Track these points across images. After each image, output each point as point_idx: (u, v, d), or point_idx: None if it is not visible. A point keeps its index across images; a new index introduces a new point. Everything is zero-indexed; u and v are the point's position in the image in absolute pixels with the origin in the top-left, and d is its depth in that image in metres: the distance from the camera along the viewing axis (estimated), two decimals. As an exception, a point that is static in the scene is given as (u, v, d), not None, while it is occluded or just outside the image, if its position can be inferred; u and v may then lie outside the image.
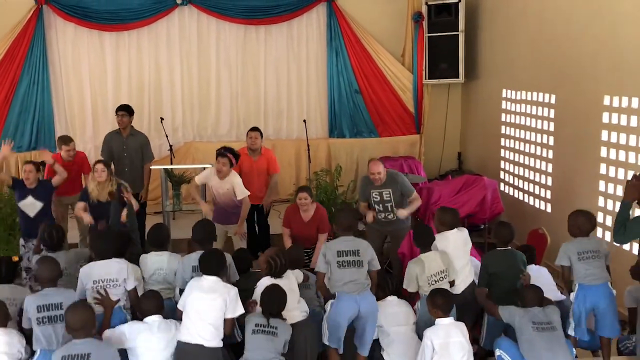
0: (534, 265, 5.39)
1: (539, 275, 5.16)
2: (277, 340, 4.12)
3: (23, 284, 5.61)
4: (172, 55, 9.59)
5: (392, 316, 4.67)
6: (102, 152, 7.58)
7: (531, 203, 7.68)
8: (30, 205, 6.08)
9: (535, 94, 7.45)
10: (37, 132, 9.27)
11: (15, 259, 5.06)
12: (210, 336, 4.05)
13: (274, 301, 4.23)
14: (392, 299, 4.81)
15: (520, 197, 7.95)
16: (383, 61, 9.50)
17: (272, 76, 9.79)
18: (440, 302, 4.37)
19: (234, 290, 4.18)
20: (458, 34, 9.00)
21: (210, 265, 4.27)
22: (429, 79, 9.34)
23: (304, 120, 9.19)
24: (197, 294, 4.13)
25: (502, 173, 8.45)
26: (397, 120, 9.70)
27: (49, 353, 3.87)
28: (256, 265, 5.16)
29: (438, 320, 4.37)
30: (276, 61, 9.74)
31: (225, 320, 4.13)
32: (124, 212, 5.84)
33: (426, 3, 9.10)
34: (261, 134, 7.13)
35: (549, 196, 7.24)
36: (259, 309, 4.29)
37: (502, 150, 8.42)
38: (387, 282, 4.92)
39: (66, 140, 6.95)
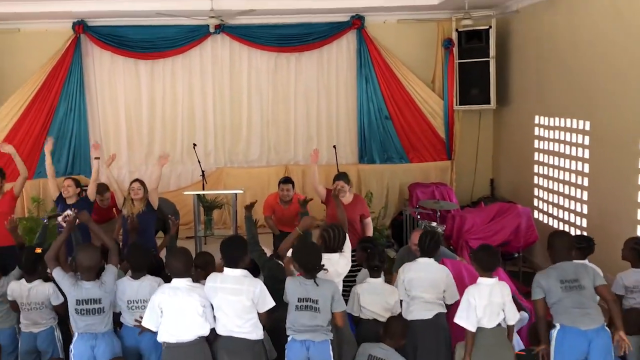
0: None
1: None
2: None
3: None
4: (204, 82, 9.77)
5: None
6: None
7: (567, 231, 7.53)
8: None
9: (569, 120, 7.35)
10: (74, 158, 9.48)
11: (39, 250, 5.10)
12: (249, 329, 4.04)
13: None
14: None
15: (555, 225, 7.80)
16: (413, 87, 9.51)
17: (302, 103, 9.88)
18: (481, 258, 4.35)
19: (259, 287, 4.09)
20: (489, 60, 8.98)
21: (231, 255, 4.16)
22: (459, 105, 9.32)
23: (334, 146, 9.22)
24: (222, 296, 4.07)
25: (535, 200, 8.32)
26: (427, 146, 9.67)
27: (86, 335, 4.09)
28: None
29: (481, 280, 4.35)
30: (306, 88, 9.84)
31: (259, 314, 4.11)
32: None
33: (456, 30, 9.11)
34: (293, 184, 7.11)
35: (584, 224, 7.09)
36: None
37: (536, 177, 8.30)
38: None
39: (102, 190, 7.03)
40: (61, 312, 4.41)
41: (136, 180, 6.42)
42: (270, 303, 4.12)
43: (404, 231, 8.47)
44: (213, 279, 4.18)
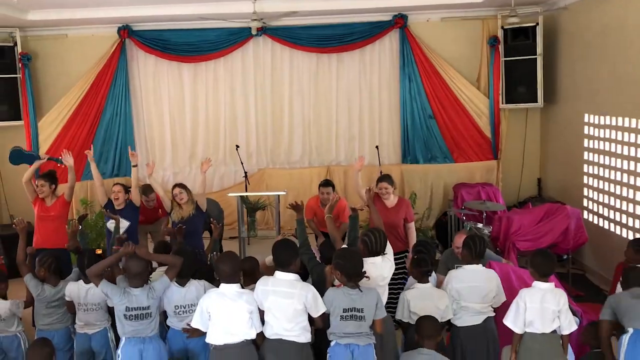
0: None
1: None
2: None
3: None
4: (246, 84, 9.82)
5: None
6: None
7: (618, 232, 7.28)
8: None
9: (620, 118, 7.10)
10: (120, 160, 9.65)
11: (99, 251, 5.20)
12: (298, 332, 4.03)
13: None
14: None
15: (606, 227, 7.55)
16: (457, 86, 9.34)
17: (344, 103, 9.83)
18: (539, 263, 4.27)
19: (311, 292, 4.08)
20: (536, 58, 8.76)
21: (283, 259, 4.16)
22: (505, 103, 9.12)
23: (377, 147, 9.14)
24: (273, 299, 4.07)
25: (585, 201, 8.07)
26: (473, 146, 9.48)
27: (134, 339, 4.16)
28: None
29: (536, 283, 4.27)
30: (348, 88, 9.78)
31: (314, 318, 4.09)
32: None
33: (502, 27, 8.91)
34: (333, 187, 7.03)
35: (637, 225, 6.84)
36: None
37: (586, 177, 8.05)
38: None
39: (146, 191, 7.15)
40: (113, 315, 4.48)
41: (176, 185, 6.51)
42: (323, 307, 4.09)
43: (448, 232, 8.35)
44: (264, 282, 4.18)
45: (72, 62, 9.45)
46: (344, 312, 4.08)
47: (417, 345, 4.29)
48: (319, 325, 4.16)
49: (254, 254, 5.74)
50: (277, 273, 4.16)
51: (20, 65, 9.01)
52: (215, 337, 4.05)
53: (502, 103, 9.13)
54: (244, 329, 4.05)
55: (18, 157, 6.59)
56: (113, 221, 6.12)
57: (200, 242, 6.36)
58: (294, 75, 9.79)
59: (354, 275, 4.11)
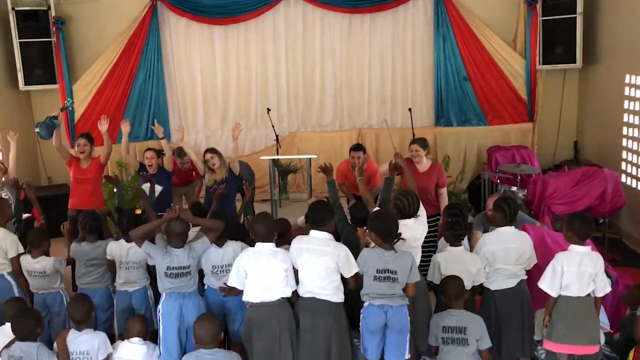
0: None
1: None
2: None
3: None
4: (277, 46, 9.74)
5: None
6: None
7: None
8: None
9: (663, 78, 6.87)
10: (153, 123, 9.70)
11: (138, 211, 5.32)
12: (331, 291, 4.07)
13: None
14: None
15: (645, 190, 7.39)
16: (493, 46, 9.11)
17: (376, 65, 9.69)
18: (577, 226, 4.21)
19: (344, 251, 4.10)
20: (575, 17, 8.46)
21: (318, 218, 4.20)
22: (543, 64, 8.86)
23: (410, 109, 9.01)
24: (307, 256, 4.11)
25: (624, 164, 7.87)
26: (508, 108, 9.28)
27: (174, 294, 4.24)
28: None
29: (572, 247, 4.23)
30: (381, 49, 9.63)
31: (347, 279, 4.11)
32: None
33: (541, -16, 8.63)
34: (364, 151, 6.92)
35: (678, 189, 6.67)
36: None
37: (625, 140, 7.83)
38: None
39: (181, 154, 7.21)
40: (153, 273, 4.58)
41: (207, 150, 6.54)
42: (355, 267, 4.10)
43: (481, 196, 8.26)
44: (299, 240, 4.22)
45: (104, 26, 9.45)
46: (377, 272, 4.07)
47: (447, 307, 4.31)
48: (352, 286, 4.17)
49: (285, 216, 5.80)
50: (312, 232, 4.19)
51: (54, 29, 9.06)
52: (252, 295, 4.12)
53: (539, 64, 8.88)
54: (279, 287, 4.10)
55: (45, 129, 6.53)
56: (148, 184, 6.20)
57: (233, 205, 6.42)
58: (326, 36, 9.66)
59: (389, 237, 4.10)
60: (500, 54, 9.11)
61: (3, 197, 5.69)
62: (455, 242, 4.71)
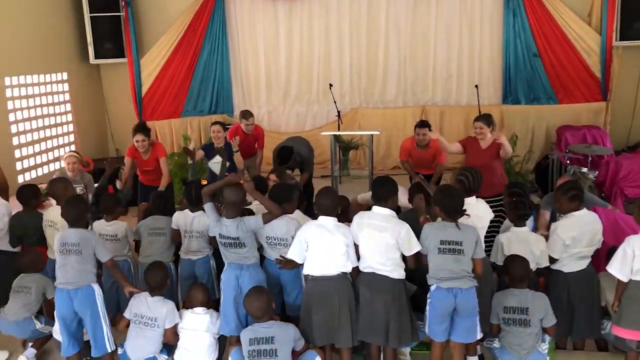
0: None
1: None
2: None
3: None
4: (341, 21, 9.64)
5: None
6: None
7: None
8: (217, 164, 6.49)
9: None
10: (217, 98, 9.86)
11: (204, 182, 5.43)
12: (390, 268, 4.01)
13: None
14: None
15: None
16: (566, 21, 8.72)
17: (442, 40, 9.47)
18: None
19: (405, 229, 4.01)
20: (658, -11, 8.00)
21: (381, 194, 4.13)
22: (619, 40, 8.44)
23: (476, 86, 8.77)
24: (368, 231, 4.05)
25: None
26: (580, 86, 8.90)
27: (233, 265, 4.26)
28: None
29: None
30: (448, 24, 9.39)
31: (407, 257, 4.03)
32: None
33: (621, -46, 8.17)
34: (429, 128, 6.76)
35: None
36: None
37: None
38: None
39: (246, 115, 7.31)
40: (214, 244, 4.65)
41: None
42: (417, 246, 4.01)
43: (549, 176, 7.98)
44: (360, 215, 4.18)
45: (172, 0, 9.59)
46: (441, 244, 3.95)
47: (508, 287, 4.20)
48: (411, 266, 4.09)
49: (345, 192, 5.76)
50: (374, 207, 4.14)
51: (123, 3, 9.25)
52: (313, 268, 4.12)
53: (616, 40, 8.46)
54: (340, 261, 4.07)
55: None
56: (216, 161, 6.31)
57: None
58: (391, 10, 9.49)
59: (453, 212, 3.99)
60: (574, 29, 8.72)
61: (79, 192, 5.83)
62: (519, 222, 4.56)
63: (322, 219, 4.14)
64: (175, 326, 4.21)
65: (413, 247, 4.01)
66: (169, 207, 5.25)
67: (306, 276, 4.21)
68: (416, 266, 4.11)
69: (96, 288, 4.20)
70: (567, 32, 8.75)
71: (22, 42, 8.10)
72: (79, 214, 4.18)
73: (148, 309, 4.18)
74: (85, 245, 4.11)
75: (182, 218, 4.94)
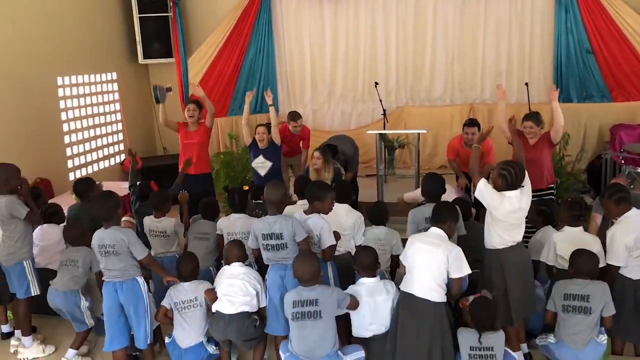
0: None
1: None
2: None
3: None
4: (388, 19, 9.55)
5: None
6: None
7: None
8: (262, 165, 6.52)
9: None
10: (262, 97, 9.84)
11: (246, 188, 5.50)
12: (433, 290, 3.89)
13: None
14: None
15: None
16: (622, 16, 8.41)
17: (491, 37, 9.28)
18: None
19: (456, 250, 3.93)
20: None
21: (442, 216, 4.08)
22: (679, 35, 8.10)
23: (526, 83, 8.56)
24: (419, 245, 3.98)
25: None
26: (636, 84, 8.56)
27: (277, 265, 4.23)
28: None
29: None
30: (497, 20, 9.19)
31: (451, 279, 3.93)
32: None
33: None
34: (479, 127, 6.60)
35: None
36: None
37: None
38: None
39: (295, 117, 7.32)
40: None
41: (316, 149, 6.43)
42: (467, 269, 3.92)
43: (602, 177, 7.72)
44: (415, 235, 4.18)
45: (218, 0, 9.68)
46: (470, 350, 3.89)
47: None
48: (456, 292, 3.99)
49: (390, 192, 5.71)
50: (432, 227, 4.07)
51: (171, 4, 9.36)
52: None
53: (676, 35, 8.12)
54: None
55: (158, 92, 6.88)
56: (260, 162, 6.34)
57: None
58: (439, 7, 9.35)
59: (513, 186, 4.03)
60: (630, 25, 8.41)
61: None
62: (574, 222, 4.43)
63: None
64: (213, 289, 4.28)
65: (463, 269, 3.92)
66: (216, 214, 5.38)
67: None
68: (459, 293, 4.04)
69: (141, 281, 4.27)
70: (623, 28, 8.44)
71: (74, 43, 8.29)
72: (109, 212, 4.20)
73: (186, 292, 4.25)
74: (120, 246, 4.16)
75: (225, 222, 5.05)
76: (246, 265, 4.41)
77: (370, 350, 4.10)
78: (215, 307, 4.20)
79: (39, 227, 5.12)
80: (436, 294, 3.88)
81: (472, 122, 6.65)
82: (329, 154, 6.10)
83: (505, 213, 4.06)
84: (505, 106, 5.88)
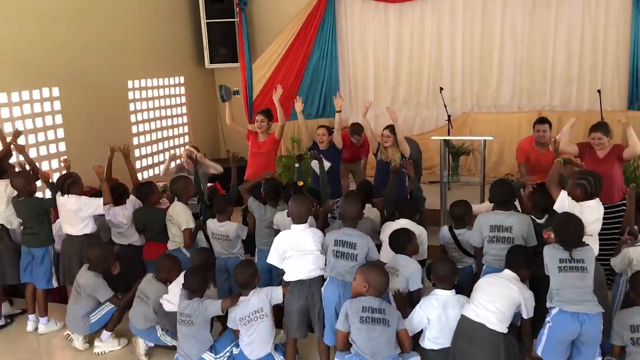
0: None
1: None
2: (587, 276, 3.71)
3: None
4: (454, 24, 9.40)
5: None
6: None
7: None
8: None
9: None
10: (325, 101, 9.91)
11: (300, 183, 5.52)
12: (499, 319, 3.76)
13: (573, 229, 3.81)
14: None
15: None
16: None
17: (562, 43, 8.97)
18: None
19: (527, 292, 3.87)
20: None
21: (518, 263, 4.02)
22: None
23: (599, 90, 8.21)
24: (493, 279, 3.95)
25: None
26: None
27: (335, 280, 4.16)
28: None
29: None
30: (569, 25, 8.88)
31: (521, 318, 3.87)
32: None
33: None
34: (550, 125, 6.34)
35: None
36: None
37: None
38: None
39: (358, 131, 7.22)
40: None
41: (386, 127, 6.48)
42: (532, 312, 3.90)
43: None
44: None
45: (283, 6, 9.77)
46: (560, 262, 3.73)
47: (633, 304, 3.87)
48: (526, 332, 3.93)
49: (454, 199, 5.53)
50: (506, 270, 4.01)
51: (237, 9, 9.54)
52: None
53: None
54: None
55: (225, 91, 7.07)
56: (316, 161, 6.30)
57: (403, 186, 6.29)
58: (507, 11, 9.11)
59: (593, 195, 4.00)
60: None
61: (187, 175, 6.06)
62: None
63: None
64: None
65: (530, 311, 3.88)
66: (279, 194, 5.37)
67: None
68: (528, 333, 3.95)
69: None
70: None
71: (144, 47, 8.54)
72: (199, 285, 4.31)
73: (248, 306, 4.22)
74: (196, 316, 4.23)
75: (281, 218, 5.03)
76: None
77: None
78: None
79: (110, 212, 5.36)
80: (500, 325, 3.77)
81: (542, 120, 6.38)
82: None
83: (586, 224, 3.90)
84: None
